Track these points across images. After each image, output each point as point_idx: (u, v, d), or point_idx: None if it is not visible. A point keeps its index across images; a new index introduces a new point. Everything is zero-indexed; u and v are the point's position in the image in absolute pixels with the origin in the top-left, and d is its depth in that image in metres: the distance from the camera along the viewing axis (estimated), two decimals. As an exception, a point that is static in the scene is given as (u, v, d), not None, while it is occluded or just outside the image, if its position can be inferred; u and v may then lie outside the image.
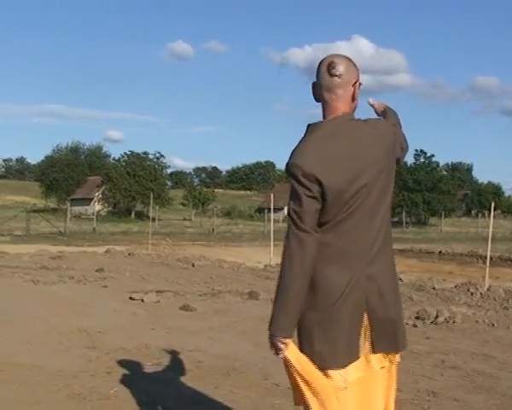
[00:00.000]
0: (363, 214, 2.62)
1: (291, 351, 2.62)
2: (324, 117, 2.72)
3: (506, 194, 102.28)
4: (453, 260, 25.98)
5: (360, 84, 2.75)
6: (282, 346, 2.59)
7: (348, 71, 2.69)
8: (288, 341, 2.59)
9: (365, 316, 2.64)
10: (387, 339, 2.70)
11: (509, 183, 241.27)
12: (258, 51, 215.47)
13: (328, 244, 2.60)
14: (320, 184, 2.53)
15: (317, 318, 2.61)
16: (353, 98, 2.72)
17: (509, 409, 4.96)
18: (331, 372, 2.61)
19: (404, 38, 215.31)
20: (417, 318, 8.51)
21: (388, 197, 2.73)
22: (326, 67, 2.68)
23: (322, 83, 2.70)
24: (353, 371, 2.64)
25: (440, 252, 28.22)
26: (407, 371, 5.67)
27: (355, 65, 2.74)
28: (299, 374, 2.62)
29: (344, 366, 2.62)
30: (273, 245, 18.65)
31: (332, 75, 2.67)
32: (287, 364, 2.65)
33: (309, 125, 2.70)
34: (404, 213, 59.92)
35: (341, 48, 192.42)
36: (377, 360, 2.71)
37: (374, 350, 2.68)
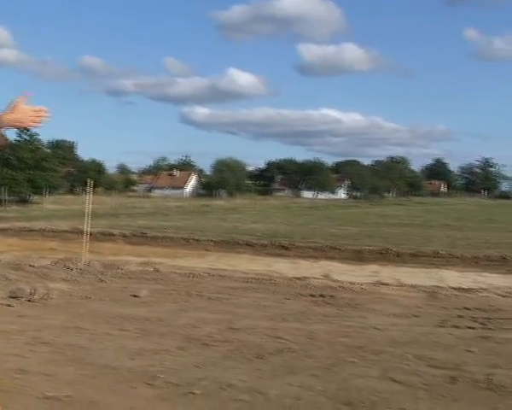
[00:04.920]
0: None
1: None
2: None
3: (109, 171, 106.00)
4: (56, 236, 25.94)
5: None
6: None
7: None
8: None
9: None
10: None
11: (111, 161, 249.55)
12: None
13: None
14: None
15: None
16: None
17: (97, 377, 5.15)
18: None
19: (10, 14, 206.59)
20: (12, 297, 8.30)
21: None
22: None
23: None
24: None
25: (43, 229, 27.97)
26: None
27: None
28: None
29: None
30: None
31: None
32: None
33: None
34: (6, 192, 58.05)
35: None
36: None
37: None
